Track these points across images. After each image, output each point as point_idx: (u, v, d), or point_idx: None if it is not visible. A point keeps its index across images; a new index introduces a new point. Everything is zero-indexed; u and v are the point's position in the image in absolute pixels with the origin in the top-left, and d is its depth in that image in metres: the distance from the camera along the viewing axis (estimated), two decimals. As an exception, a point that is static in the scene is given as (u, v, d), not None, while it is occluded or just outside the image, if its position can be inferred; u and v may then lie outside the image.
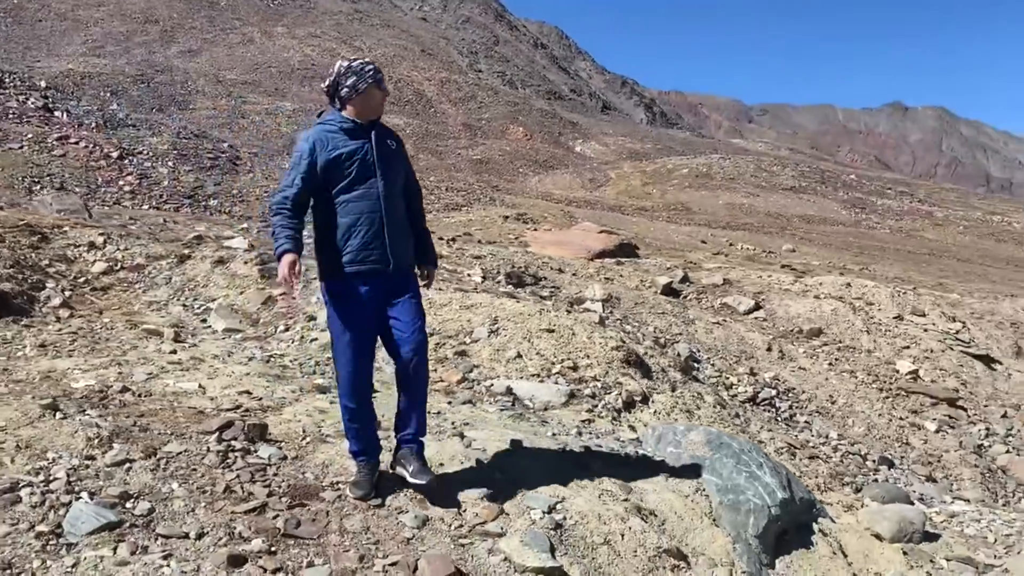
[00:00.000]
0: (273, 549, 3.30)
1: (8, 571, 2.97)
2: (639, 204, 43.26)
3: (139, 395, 4.85)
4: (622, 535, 3.85)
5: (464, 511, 3.81)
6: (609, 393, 5.79)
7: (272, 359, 6.07)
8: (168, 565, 3.09)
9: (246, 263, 8.01)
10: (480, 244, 15.56)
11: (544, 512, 3.85)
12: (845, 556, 4.61)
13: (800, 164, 66.57)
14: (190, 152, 29.03)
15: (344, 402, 3.86)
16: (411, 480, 3.78)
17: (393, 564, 3.32)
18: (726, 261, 17.37)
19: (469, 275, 8.19)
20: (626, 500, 4.15)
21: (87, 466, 3.70)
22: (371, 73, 3.72)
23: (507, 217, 26.56)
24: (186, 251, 8.57)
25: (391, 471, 3.94)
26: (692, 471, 4.68)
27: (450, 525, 3.69)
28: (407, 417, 3.91)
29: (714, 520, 4.30)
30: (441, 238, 16.55)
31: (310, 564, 3.25)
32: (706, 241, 30.01)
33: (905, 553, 4.73)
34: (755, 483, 4.60)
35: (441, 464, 4.21)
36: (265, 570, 3.15)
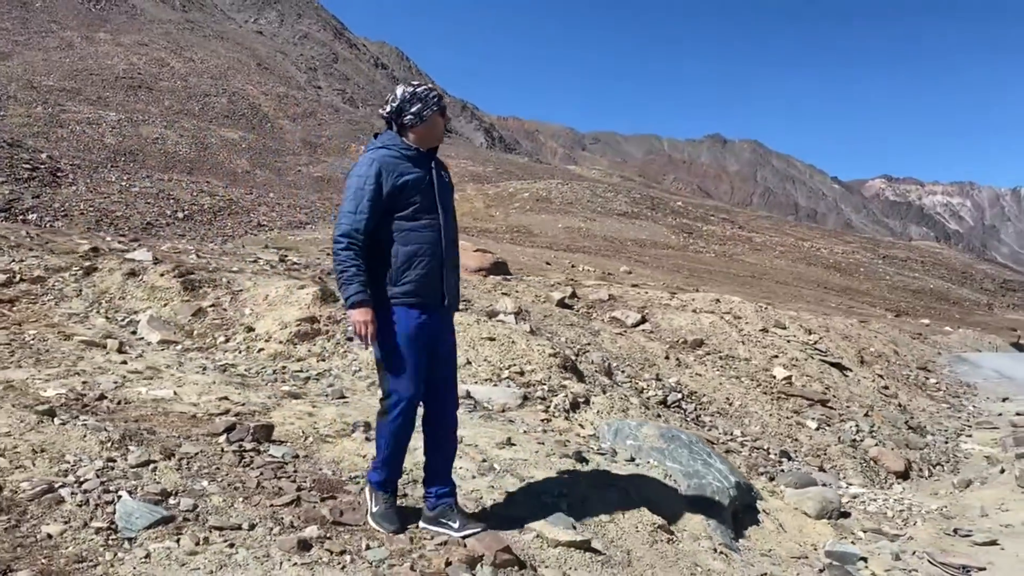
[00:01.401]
0: (329, 535, 3.47)
1: (83, 564, 3.01)
2: (483, 226, 44.04)
3: (118, 402, 4.78)
4: (622, 513, 4.28)
5: (482, 497, 4.11)
6: (556, 395, 6.22)
7: (227, 369, 6.06)
8: (237, 552, 3.21)
9: (163, 275, 7.83)
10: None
11: (553, 496, 4.22)
12: (786, 532, 5.26)
13: (632, 191, 70.15)
14: (3, 163, 26.86)
15: (395, 433, 3.62)
16: (460, 536, 3.61)
17: (443, 543, 3.57)
18: (591, 282, 18.30)
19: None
20: (613, 484, 4.59)
21: (111, 467, 3.70)
22: (435, 100, 3.64)
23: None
24: (88, 263, 8.24)
25: (424, 526, 3.71)
26: (655, 459, 5.19)
27: (475, 510, 3.97)
28: (443, 471, 3.78)
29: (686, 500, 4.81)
30: (319, 256, 16.47)
31: (367, 547, 3.45)
32: (550, 263, 30.82)
33: (833, 527, 5.46)
34: (711, 469, 5.17)
35: (444, 458, 4.48)
36: (332, 552, 3.33)
